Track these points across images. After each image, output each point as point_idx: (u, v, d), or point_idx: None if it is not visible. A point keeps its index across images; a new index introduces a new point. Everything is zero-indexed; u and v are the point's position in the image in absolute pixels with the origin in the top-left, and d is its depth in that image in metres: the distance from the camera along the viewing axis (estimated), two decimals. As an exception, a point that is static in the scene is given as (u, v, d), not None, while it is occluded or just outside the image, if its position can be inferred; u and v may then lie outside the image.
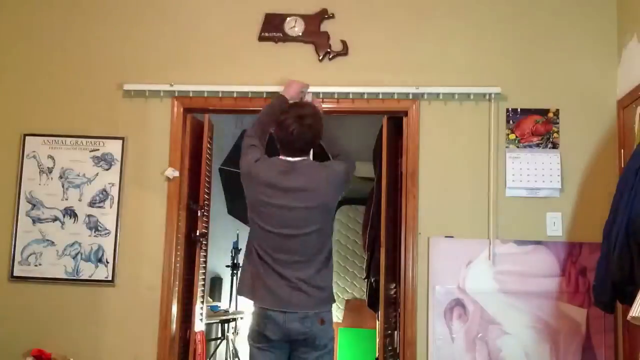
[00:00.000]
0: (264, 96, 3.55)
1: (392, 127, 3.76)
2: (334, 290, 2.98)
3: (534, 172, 3.45)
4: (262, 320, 2.79)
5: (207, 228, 3.76)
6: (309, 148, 3.01)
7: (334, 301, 2.98)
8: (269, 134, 3.12)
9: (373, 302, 4.42)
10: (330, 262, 2.93)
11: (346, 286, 6.13)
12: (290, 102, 3.20)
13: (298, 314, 2.76)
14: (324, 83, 3.54)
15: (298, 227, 2.83)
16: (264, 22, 3.63)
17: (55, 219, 3.55)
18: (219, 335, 5.20)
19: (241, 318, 5.20)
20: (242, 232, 5.11)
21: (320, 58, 3.60)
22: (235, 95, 3.56)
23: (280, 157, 2.94)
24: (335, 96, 3.54)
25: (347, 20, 3.62)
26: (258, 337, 2.82)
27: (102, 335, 3.47)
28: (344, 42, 3.60)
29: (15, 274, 3.53)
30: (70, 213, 3.55)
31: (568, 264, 3.38)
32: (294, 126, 2.86)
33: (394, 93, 3.52)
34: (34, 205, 3.56)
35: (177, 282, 3.51)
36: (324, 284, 2.87)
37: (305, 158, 2.94)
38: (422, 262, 3.44)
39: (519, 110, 3.51)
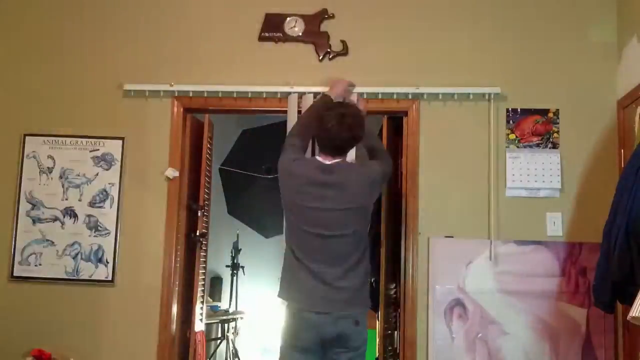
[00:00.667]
0: (264, 96, 3.55)
1: (392, 127, 3.76)
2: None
3: (534, 172, 3.45)
4: (297, 322, 2.77)
5: (207, 228, 3.76)
6: (347, 148, 2.94)
7: (370, 304, 2.96)
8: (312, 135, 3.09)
9: (373, 302, 4.42)
10: (366, 263, 2.89)
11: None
12: (335, 101, 3.14)
13: (332, 314, 2.74)
14: (324, 83, 3.54)
15: (333, 227, 2.81)
16: (264, 22, 3.63)
17: (55, 219, 3.55)
18: (219, 335, 5.20)
19: (241, 318, 5.19)
20: (242, 232, 5.14)
21: (320, 58, 3.61)
22: (235, 95, 3.56)
23: (318, 157, 2.92)
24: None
25: (347, 20, 3.62)
26: (292, 340, 2.79)
27: (102, 335, 3.47)
28: (344, 42, 3.60)
29: (15, 274, 3.53)
30: (70, 213, 3.55)
31: (568, 264, 3.38)
32: (332, 123, 2.82)
33: (393, 93, 3.52)
34: (34, 205, 3.56)
35: (177, 282, 3.51)
36: (359, 285, 2.85)
37: (342, 159, 2.91)
38: (422, 262, 3.44)
39: (519, 110, 3.51)
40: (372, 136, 3.16)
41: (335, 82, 3.30)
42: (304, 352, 2.76)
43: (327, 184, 2.82)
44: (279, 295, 2.91)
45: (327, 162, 2.87)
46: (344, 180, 2.85)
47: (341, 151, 2.89)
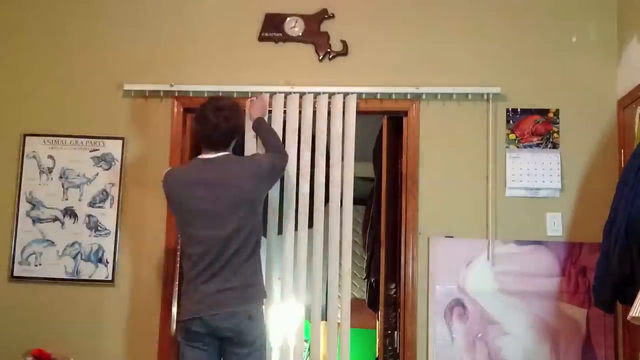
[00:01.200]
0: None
1: (392, 127, 3.76)
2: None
3: (534, 172, 3.45)
4: (188, 324, 2.85)
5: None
6: (228, 140, 3.00)
7: (265, 297, 3.03)
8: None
9: (373, 302, 4.42)
10: (256, 258, 2.95)
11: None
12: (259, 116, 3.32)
13: (224, 313, 2.79)
14: (324, 83, 3.55)
15: (220, 224, 2.84)
16: (264, 22, 3.63)
17: (55, 219, 3.55)
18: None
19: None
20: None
21: (320, 58, 3.61)
22: (235, 95, 3.56)
23: (200, 156, 2.99)
24: (335, 96, 3.53)
25: (347, 20, 3.62)
26: (188, 335, 2.87)
27: (102, 335, 3.47)
28: (344, 42, 3.60)
29: (15, 274, 3.53)
30: (70, 213, 3.55)
31: (568, 264, 3.38)
32: (209, 116, 2.93)
33: (393, 93, 3.52)
34: (34, 205, 3.56)
35: (176, 282, 3.51)
36: (251, 280, 2.89)
37: (225, 153, 2.97)
38: (422, 262, 3.44)
39: (519, 110, 3.51)
40: (266, 131, 3.28)
41: (252, 104, 3.39)
42: (202, 348, 2.85)
43: (210, 180, 2.89)
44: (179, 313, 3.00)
45: (210, 157, 2.95)
46: (228, 173, 2.91)
47: (222, 144, 2.96)
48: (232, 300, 2.82)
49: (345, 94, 3.52)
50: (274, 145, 3.23)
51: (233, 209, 2.86)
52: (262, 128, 3.32)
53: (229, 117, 2.96)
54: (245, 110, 3.34)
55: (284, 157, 3.21)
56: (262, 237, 3.47)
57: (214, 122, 2.92)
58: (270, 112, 3.54)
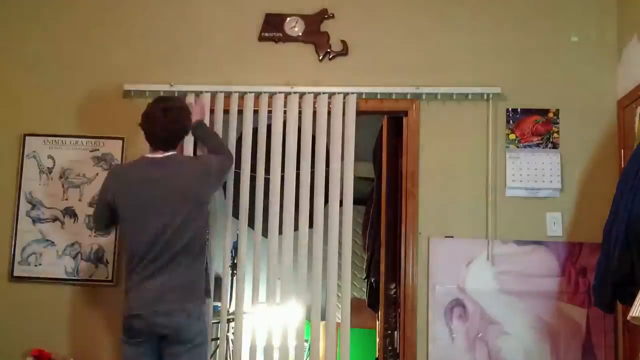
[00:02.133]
0: (264, 96, 3.54)
1: (392, 127, 3.76)
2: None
3: (534, 172, 3.45)
4: (131, 322, 2.84)
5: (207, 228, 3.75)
6: (175, 140, 3.03)
7: (208, 296, 3.10)
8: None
9: (373, 302, 4.42)
10: (201, 259, 2.96)
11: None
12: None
13: (165, 310, 2.79)
14: (324, 83, 3.55)
15: (165, 222, 2.84)
16: (264, 22, 3.63)
17: (55, 219, 3.55)
18: (219, 335, 5.19)
19: (242, 318, 5.18)
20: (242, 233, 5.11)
21: (320, 58, 3.61)
22: (235, 95, 3.56)
23: (146, 154, 3.01)
24: (335, 96, 3.53)
25: (347, 20, 3.62)
26: (129, 332, 2.86)
27: (102, 335, 3.47)
28: (344, 42, 3.60)
29: (15, 274, 3.53)
30: (70, 213, 3.55)
31: (568, 264, 3.38)
32: (157, 115, 2.94)
33: (393, 93, 3.52)
34: (34, 205, 3.56)
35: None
36: (192, 279, 2.90)
37: (172, 153, 2.99)
38: (422, 262, 3.44)
39: (519, 110, 3.51)
40: (208, 134, 3.32)
41: (195, 108, 3.37)
42: (141, 346, 2.85)
43: (156, 178, 2.90)
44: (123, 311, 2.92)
45: (158, 156, 2.96)
46: (175, 172, 2.93)
47: (170, 143, 2.98)
48: (173, 298, 2.82)
49: (345, 94, 3.52)
50: (217, 146, 3.27)
51: (179, 208, 2.87)
52: (204, 131, 3.34)
53: (178, 118, 2.99)
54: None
55: (230, 158, 3.27)
56: (263, 238, 3.48)
57: (163, 123, 2.94)
58: (270, 112, 3.54)
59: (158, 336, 2.83)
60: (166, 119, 2.95)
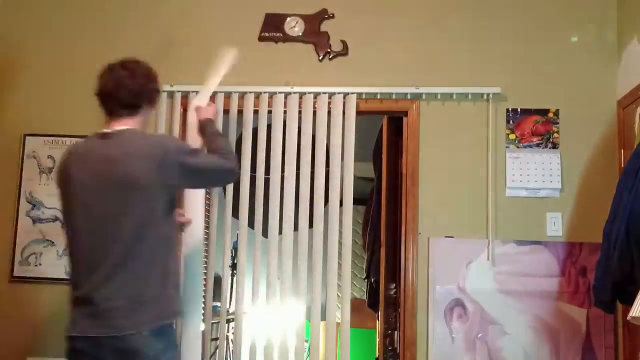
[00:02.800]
0: (264, 96, 3.54)
1: (392, 127, 3.76)
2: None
3: (534, 172, 3.45)
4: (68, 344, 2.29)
5: (207, 228, 3.76)
6: (132, 108, 2.40)
7: (174, 315, 2.42)
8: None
9: (373, 302, 4.43)
10: (158, 267, 2.33)
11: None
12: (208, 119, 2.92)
13: (111, 332, 2.23)
14: (324, 83, 3.55)
15: (105, 218, 2.27)
16: (264, 22, 3.63)
17: (56, 219, 3.55)
18: (219, 335, 5.19)
19: (241, 318, 5.18)
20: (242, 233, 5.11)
21: (320, 58, 3.61)
22: (236, 95, 3.56)
23: (99, 130, 2.43)
24: (335, 96, 3.53)
25: (347, 20, 3.62)
26: (70, 354, 2.30)
27: (102, 335, 3.47)
28: (344, 42, 3.60)
29: (15, 274, 3.53)
30: (70, 213, 3.55)
31: (568, 264, 3.38)
32: (113, 71, 2.38)
33: (393, 93, 3.52)
34: (34, 206, 3.56)
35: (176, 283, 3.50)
36: (147, 292, 2.29)
37: (127, 127, 2.37)
38: (422, 262, 3.44)
39: (519, 110, 3.51)
40: (214, 133, 2.83)
41: (200, 109, 3.02)
42: None
43: (96, 159, 2.31)
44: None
45: (106, 130, 2.37)
46: (123, 151, 2.30)
47: (124, 110, 2.37)
48: (120, 316, 2.23)
49: (345, 94, 3.52)
50: (221, 148, 2.68)
51: (121, 200, 2.27)
52: (211, 130, 2.85)
53: (136, 74, 2.38)
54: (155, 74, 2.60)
55: (229, 163, 2.61)
56: (263, 238, 3.48)
57: (115, 78, 2.35)
58: (270, 112, 3.54)
59: None
60: (119, 75, 2.37)
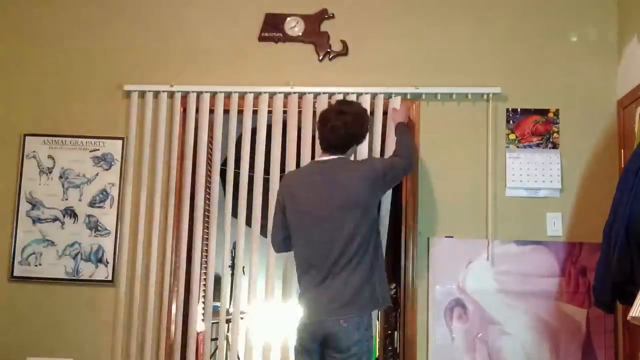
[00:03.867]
0: (264, 96, 3.54)
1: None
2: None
3: (534, 172, 3.45)
4: (302, 329, 2.82)
5: (207, 228, 3.76)
6: (345, 146, 2.90)
7: (373, 306, 2.86)
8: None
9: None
10: (367, 263, 2.80)
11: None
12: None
13: (328, 319, 2.73)
14: (324, 83, 3.55)
15: (328, 226, 2.78)
16: (264, 22, 3.63)
17: (55, 219, 3.55)
18: (219, 335, 5.19)
19: (241, 318, 5.18)
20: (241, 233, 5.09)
21: (320, 58, 3.61)
22: (235, 95, 3.56)
23: (319, 157, 2.95)
24: (335, 96, 3.53)
25: (347, 20, 3.62)
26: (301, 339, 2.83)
27: (102, 335, 3.47)
28: (344, 42, 3.60)
29: (15, 274, 3.53)
30: (70, 213, 3.55)
31: (568, 264, 3.38)
32: (331, 120, 2.85)
33: (393, 93, 3.52)
34: (34, 205, 3.56)
35: (177, 282, 3.51)
36: (359, 287, 2.76)
37: (340, 157, 2.89)
38: (422, 262, 3.44)
39: (519, 110, 3.51)
40: (402, 133, 3.20)
41: (395, 113, 3.35)
42: (307, 354, 2.81)
43: (319, 182, 2.83)
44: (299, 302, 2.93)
45: (323, 159, 2.90)
46: (337, 176, 2.82)
47: (338, 148, 2.88)
48: (335, 306, 2.74)
49: (345, 94, 3.52)
50: (403, 147, 3.12)
51: (340, 214, 2.78)
52: (402, 133, 3.22)
53: (350, 123, 2.86)
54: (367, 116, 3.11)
55: (407, 162, 3.06)
56: (262, 237, 3.47)
57: (334, 125, 2.84)
58: (270, 112, 3.54)
59: (319, 343, 2.77)
60: (337, 122, 2.84)
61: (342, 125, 2.84)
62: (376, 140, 3.48)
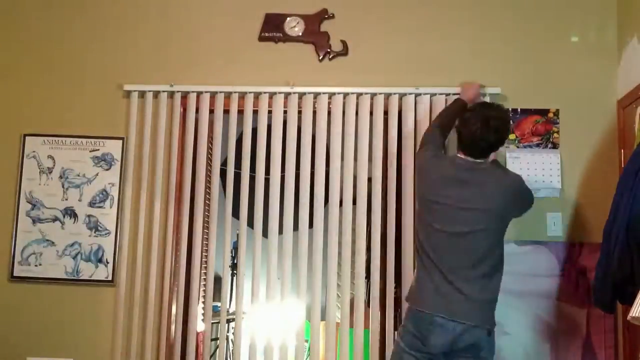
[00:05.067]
0: (264, 96, 3.54)
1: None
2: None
3: (534, 172, 3.45)
4: (427, 326, 2.74)
5: (207, 228, 3.76)
6: (490, 151, 2.92)
7: (494, 323, 2.87)
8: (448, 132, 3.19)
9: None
10: (497, 272, 2.85)
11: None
12: (470, 105, 3.18)
13: (466, 324, 2.72)
14: (324, 83, 3.55)
15: (467, 228, 2.78)
16: (264, 22, 3.63)
17: (55, 219, 3.55)
18: (219, 335, 5.20)
19: (242, 318, 5.19)
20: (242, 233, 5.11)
21: (320, 58, 3.61)
22: (235, 95, 3.56)
23: (459, 155, 2.92)
24: (335, 96, 3.53)
25: (347, 20, 3.62)
26: (417, 345, 2.76)
27: (102, 335, 3.47)
28: (344, 42, 3.60)
29: (15, 274, 3.53)
30: (70, 213, 3.55)
31: (568, 264, 3.38)
32: (477, 126, 2.82)
33: (393, 93, 3.51)
34: (34, 205, 3.56)
35: (177, 282, 3.51)
36: (490, 297, 2.82)
37: (485, 160, 2.90)
38: (422, 262, 3.43)
39: (519, 110, 3.51)
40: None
41: (466, 87, 3.34)
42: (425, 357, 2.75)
43: (465, 183, 2.82)
44: (407, 299, 2.91)
45: (470, 159, 2.88)
46: (484, 181, 2.83)
47: (485, 153, 2.89)
48: (469, 309, 2.75)
49: (345, 94, 3.52)
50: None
51: (482, 217, 2.79)
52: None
53: (499, 129, 2.87)
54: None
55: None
56: (263, 238, 3.48)
57: (482, 133, 2.83)
58: (270, 112, 3.54)
59: (451, 350, 2.73)
60: (485, 130, 2.82)
61: (492, 132, 2.84)
62: (376, 140, 3.49)
